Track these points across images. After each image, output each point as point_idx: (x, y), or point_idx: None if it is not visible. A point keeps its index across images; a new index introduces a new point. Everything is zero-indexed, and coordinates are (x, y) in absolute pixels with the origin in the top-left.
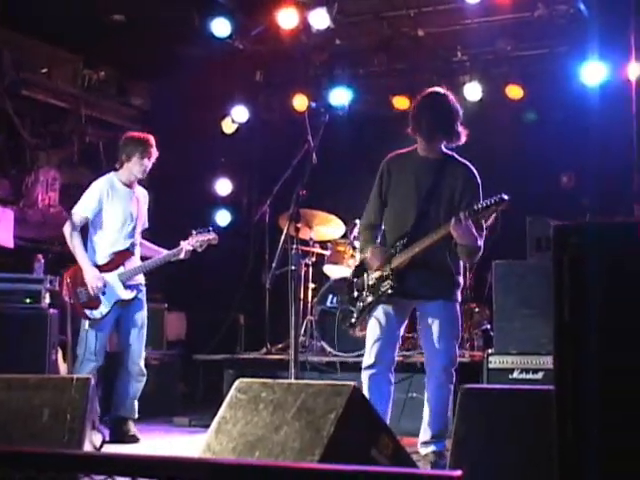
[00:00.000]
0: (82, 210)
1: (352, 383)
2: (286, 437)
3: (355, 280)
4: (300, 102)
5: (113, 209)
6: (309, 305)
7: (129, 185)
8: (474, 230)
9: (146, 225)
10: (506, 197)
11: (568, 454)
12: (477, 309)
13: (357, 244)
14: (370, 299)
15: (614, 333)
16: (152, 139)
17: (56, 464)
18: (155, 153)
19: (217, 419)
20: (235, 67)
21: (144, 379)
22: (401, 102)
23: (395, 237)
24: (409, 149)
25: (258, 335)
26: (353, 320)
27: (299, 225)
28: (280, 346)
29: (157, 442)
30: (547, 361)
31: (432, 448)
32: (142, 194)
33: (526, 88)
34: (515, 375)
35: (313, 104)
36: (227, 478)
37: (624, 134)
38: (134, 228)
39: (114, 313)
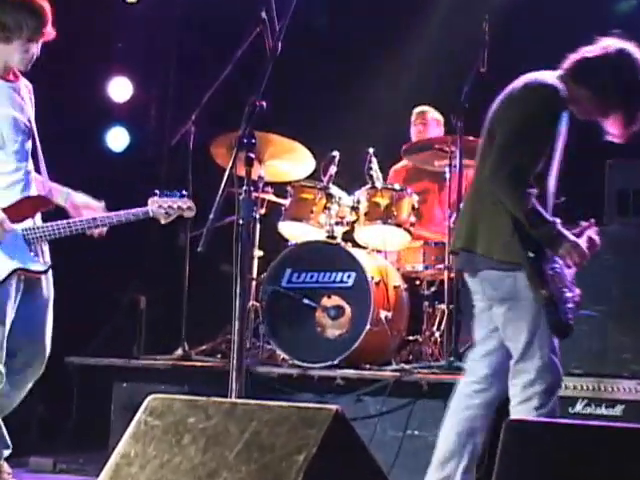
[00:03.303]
0: None
1: (334, 407)
2: None
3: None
4: None
5: None
6: (253, 283)
7: (4, 76)
8: None
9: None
10: None
11: None
12: None
13: (334, 190)
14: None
15: None
16: (48, 7)
17: None
18: (51, 33)
19: (114, 458)
20: None
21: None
22: None
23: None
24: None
25: (170, 329)
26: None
27: (252, 155)
28: (205, 347)
29: None
30: (632, 388)
31: None
32: (28, 88)
33: None
34: (578, 408)
35: None
36: None
37: None
38: (23, 145)
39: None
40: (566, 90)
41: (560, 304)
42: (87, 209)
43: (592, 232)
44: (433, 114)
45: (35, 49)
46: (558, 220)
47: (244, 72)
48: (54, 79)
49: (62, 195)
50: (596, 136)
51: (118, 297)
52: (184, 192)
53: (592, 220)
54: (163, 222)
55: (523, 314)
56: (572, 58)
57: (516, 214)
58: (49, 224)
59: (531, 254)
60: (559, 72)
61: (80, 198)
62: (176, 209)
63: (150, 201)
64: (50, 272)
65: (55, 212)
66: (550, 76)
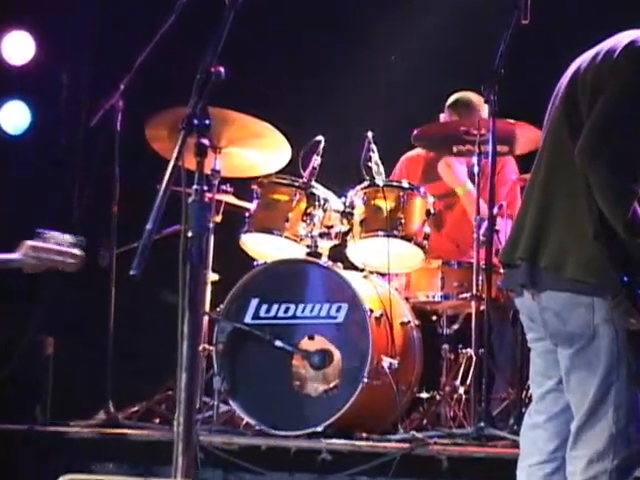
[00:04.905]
0: None
1: None
2: None
3: None
4: None
5: None
6: (205, 319)
7: None
8: None
9: None
10: None
11: None
12: None
13: (318, 190)
14: None
15: None
16: None
17: None
18: None
19: None
20: None
21: None
22: None
23: None
24: None
25: (88, 383)
26: None
27: (205, 141)
28: (137, 409)
29: None
30: None
31: None
32: None
33: None
34: None
35: None
36: None
37: None
38: None
39: None
40: None
41: None
42: None
43: None
44: (475, 104)
45: None
46: None
47: (193, 27)
48: None
49: None
50: None
51: (15, 338)
52: (79, 237)
53: None
54: (28, 272)
55: (595, 360)
56: None
57: (612, 216)
58: None
59: (625, 276)
60: None
61: None
62: (51, 257)
63: (27, 244)
64: None
65: None
66: None
